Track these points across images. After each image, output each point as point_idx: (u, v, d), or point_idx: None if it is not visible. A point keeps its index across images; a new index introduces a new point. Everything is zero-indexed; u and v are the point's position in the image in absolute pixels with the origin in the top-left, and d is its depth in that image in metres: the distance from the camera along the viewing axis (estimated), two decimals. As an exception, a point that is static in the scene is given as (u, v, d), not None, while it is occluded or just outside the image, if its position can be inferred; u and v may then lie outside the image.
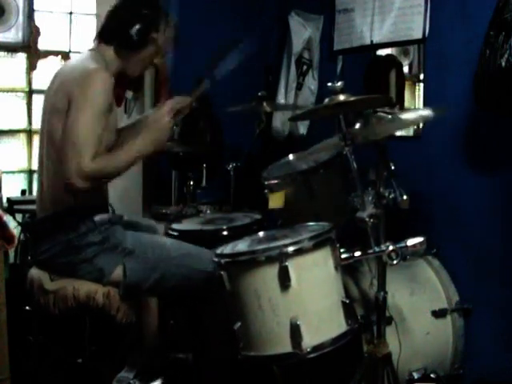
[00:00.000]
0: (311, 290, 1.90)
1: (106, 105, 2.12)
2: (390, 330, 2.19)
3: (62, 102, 2.13)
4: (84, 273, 2.19)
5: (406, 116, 2.31)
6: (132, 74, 2.33)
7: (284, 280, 1.86)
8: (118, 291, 2.22)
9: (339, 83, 2.12)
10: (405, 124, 2.40)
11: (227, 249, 2.05)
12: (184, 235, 2.64)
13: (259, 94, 3.13)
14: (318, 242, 1.91)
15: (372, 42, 3.28)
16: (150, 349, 2.52)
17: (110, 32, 2.28)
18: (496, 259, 2.74)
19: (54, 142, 2.17)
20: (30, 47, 3.69)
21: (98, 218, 2.19)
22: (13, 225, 3.10)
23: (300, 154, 2.69)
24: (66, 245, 2.17)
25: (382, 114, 2.23)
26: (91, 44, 2.34)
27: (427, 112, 2.40)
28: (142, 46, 2.26)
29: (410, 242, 1.95)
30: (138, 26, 2.22)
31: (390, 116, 2.21)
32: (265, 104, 3.07)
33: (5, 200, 3.29)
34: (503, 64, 2.41)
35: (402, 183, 2.06)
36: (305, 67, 3.79)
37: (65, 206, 2.17)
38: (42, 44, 3.73)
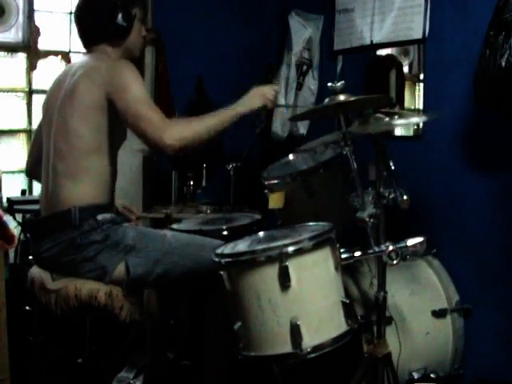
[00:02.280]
0: (311, 290, 1.90)
1: (143, 82, 2.22)
2: (389, 330, 2.19)
3: (93, 99, 2.17)
4: (86, 271, 2.19)
5: (401, 121, 2.31)
6: (136, 54, 2.40)
7: (284, 280, 1.86)
8: (122, 289, 2.21)
9: (339, 83, 2.13)
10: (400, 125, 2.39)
11: (227, 249, 2.05)
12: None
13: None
14: (318, 242, 1.91)
15: (372, 42, 3.29)
16: (151, 348, 2.52)
17: (97, 33, 2.32)
18: (496, 259, 2.74)
19: (75, 142, 2.18)
20: (29, 47, 3.69)
21: (100, 216, 2.19)
22: (13, 225, 3.11)
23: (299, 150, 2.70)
24: (69, 243, 2.17)
25: (380, 115, 2.23)
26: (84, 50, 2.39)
27: (422, 118, 2.42)
28: (131, 27, 2.32)
29: (410, 242, 1.95)
30: (120, 13, 2.27)
31: (386, 119, 2.21)
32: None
33: (5, 200, 3.29)
34: (503, 64, 2.41)
35: (402, 183, 2.06)
36: (305, 67, 3.79)
37: (68, 205, 2.18)
38: (42, 44, 3.73)
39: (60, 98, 2.26)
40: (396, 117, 2.26)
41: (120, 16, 2.27)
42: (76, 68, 2.29)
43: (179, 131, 2.12)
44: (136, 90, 2.13)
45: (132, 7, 2.30)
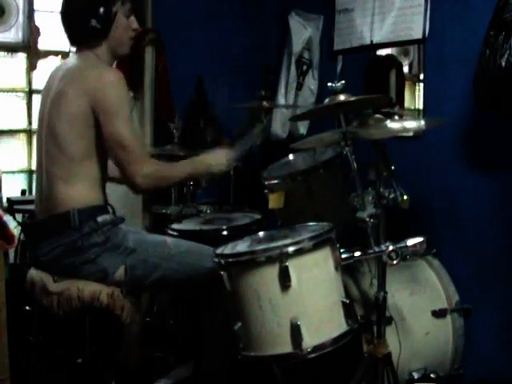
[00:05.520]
0: (311, 290, 1.90)
1: (130, 97, 2.17)
2: (389, 330, 2.19)
3: (79, 108, 2.15)
4: (87, 274, 2.19)
5: (401, 125, 2.30)
6: (123, 51, 2.34)
7: (284, 280, 1.86)
8: (121, 290, 2.21)
9: (339, 83, 2.13)
10: (400, 131, 2.38)
11: (227, 249, 2.04)
12: (184, 235, 2.63)
13: (259, 93, 3.14)
14: (318, 242, 1.91)
15: (372, 42, 3.28)
16: (129, 347, 2.51)
17: (77, 37, 2.29)
18: (496, 259, 2.74)
19: (63, 146, 2.17)
20: (30, 47, 3.69)
21: (100, 218, 2.19)
22: (13, 225, 3.10)
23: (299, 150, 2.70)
24: (69, 246, 2.17)
25: (380, 116, 2.22)
26: (73, 49, 2.37)
27: (422, 123, 2.43)
28: (110, 26, 2.25)
29: (410, 242, 1.95)
30: (94, 15, 2.21)
31: (388, 121, 2.21)
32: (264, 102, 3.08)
33: (5, 200, 3.29)
34: (503, 64, 2.41)
35: (402, 183, 2.06)
36: (305, 67, 3.79)
37: (66, 207, 2.17)
38: (42, 44, 3.73)
39: (48, 102, 2.25)
40: (396, 117, 2.26)
41: (94, 18, 2.20)
42: (63, 71, 2.27)
43: (154, 177, 2.18)
44: (124, 117, 2.14)
45: (112, 4, 2.23)
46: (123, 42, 2.31)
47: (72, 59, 2.35)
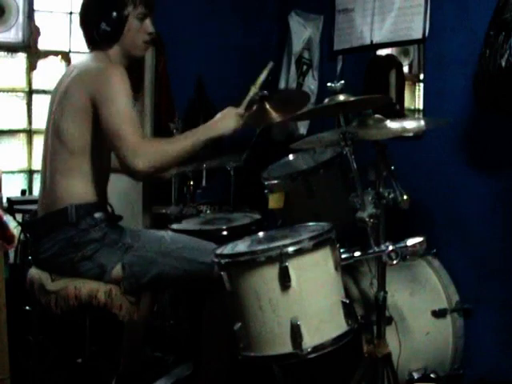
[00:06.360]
0: (311, 290, 1.90)
1: (131, 92, 2.16)
2: (389, 329, 2.19)
3: (81, 101, 2.16)
4: (84, 270, 2.20)
5: (401, 125, 2.30)
6: (137, 53, 2.35)
7: (284, 280, 1.86)
8: (120, 287, 2.21)
9: (339, 83, 2.13)
10: (400, 132, 2.37)
11: (227, 249, 2.04)
12: (184, 235, 2.63)
13: (259, 93, 3.13)
14: (318, 242, 1.91)
15: (372, 42, 3.28)
16: (132, 349, 2.50)
17: (90, 39, 2.31)
18: (496, 259, 2.74)
19: (65, 140, 2.20)
20: (30, 47, 3.69)
21: (98, 215, 2.20)
22: (13, 225, 3.10)
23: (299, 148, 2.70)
24: (67, 242, 2.17)
25: (380, 116, 2.22)
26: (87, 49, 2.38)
27: (422, 123, 2.43)
28: (121, 29, 2.27)
29: (410, 241, 1.95)
30: (104, 18, 2.24)
31: (388, 121, 2.20)
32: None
33: (5, 200, 3.29)
34: (503, 64, 2.41)
35: (402, 183, 2.06)
36: (305, 67, 3.79)
37: (63, 203, 2.18)
38: (42, 44, 3.73)
39: (56, 100, 2.28)
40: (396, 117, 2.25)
41: (105, 21, 2.23)
42: (73, 68, 2.31)
43: (153, 157, 2.06)
44: (121, 104, 2.10)
45: (123, 8, 2.25)
46: (136, 45, 2.32)
47: (82, 59, 2.39)
